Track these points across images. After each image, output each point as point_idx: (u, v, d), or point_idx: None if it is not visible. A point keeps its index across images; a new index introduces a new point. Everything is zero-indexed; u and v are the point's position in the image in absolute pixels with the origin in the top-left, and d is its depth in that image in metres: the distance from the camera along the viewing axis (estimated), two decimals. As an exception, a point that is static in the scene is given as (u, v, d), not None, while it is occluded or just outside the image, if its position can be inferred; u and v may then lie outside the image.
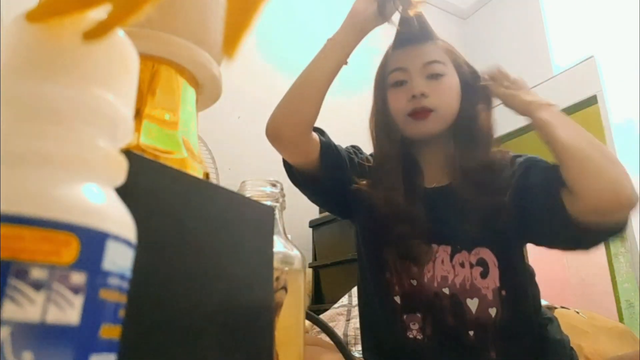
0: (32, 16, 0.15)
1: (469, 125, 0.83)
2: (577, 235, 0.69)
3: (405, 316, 0.79)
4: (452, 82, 0.84)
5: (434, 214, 0.82)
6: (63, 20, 0.16)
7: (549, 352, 0.75)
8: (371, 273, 0.86)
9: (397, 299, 0.81)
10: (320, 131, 0.87)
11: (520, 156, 0.83)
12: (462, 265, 0.79)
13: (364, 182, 0.86)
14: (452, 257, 0.80)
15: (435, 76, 0.83)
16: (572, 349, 0.79)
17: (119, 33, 0.18)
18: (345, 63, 0.85)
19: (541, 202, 0.72)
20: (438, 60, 0.85)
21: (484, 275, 0.77)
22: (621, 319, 2.45)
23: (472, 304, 0.76)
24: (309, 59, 0.84)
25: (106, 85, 0.17)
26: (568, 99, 2.57)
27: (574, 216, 0.68)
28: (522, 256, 0.83)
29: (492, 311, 0.75)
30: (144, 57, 0.30)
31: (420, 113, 0.81)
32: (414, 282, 0.80)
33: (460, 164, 0.80)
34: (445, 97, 0.83)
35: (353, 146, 0.96)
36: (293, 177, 0.86)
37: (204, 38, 0.34)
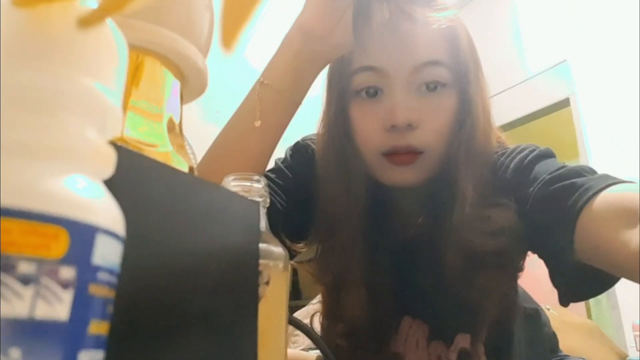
0: (20, 1, 0.15)
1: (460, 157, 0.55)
2: (577, 282, 0.50)
3: None
4: (451, 100, 0.55)
5: (407, 278, 0.61)
6: (52, 6, 0.15)
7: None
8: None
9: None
10: None
11: (509, 153, 0.57)
12: (439, 359, 0.61)
13: (301, 245, 0.62)
14: (429, 341, 0.61)
15: (430, 86, 0.53)
16: (554, 334, 0.78)
17: (109, 22, 0.18)
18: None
19: (550, 240, 0.50)
20: (438, 61, 0.53)
21: None
22: (589, 316, 2.53)
23: None
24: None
25: (95, 75, 0.16)
26: (541, 102, 2.64)
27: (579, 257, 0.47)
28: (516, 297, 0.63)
29: None
30: (129, 48, 0.29)
31: (403, 156, 0.53)
32: None
33: (447, 217, 0.55)
34: (441, 127, 0.54)
35: (288, 164, 0.64)
36: None
37: (190, 30, 0.33)
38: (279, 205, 0.60)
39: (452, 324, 0.60)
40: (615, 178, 0.47)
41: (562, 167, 0.51)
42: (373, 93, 0.55)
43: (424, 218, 0.62)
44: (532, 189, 0.51)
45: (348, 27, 0.51)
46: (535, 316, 0.72)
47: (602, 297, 2.51)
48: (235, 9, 0.16)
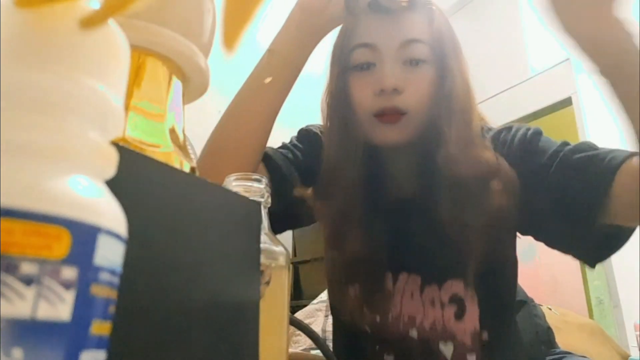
0: (22, 1, 0.15)
1: (442, 124, 0.63)
2: (601, 241, 0.57)
3: (377, 347, 0.68)
4: (430, 72, 0.64)
5: (401, 233, 0.68)
6: (54, 7, 0.15)
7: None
8: (338, 291, 0.73)
9: (367, 327, 0.69)
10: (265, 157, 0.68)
11: (505, 131, 0.67)
12: (432, 303, 0.65)
13: (309, 192, 0.71)
14: (422, 289, 0.67)
15: (413, 62, 0.64)
16: (549, 328, 0.80)
17: (111, 23, 0.18)
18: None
19: (572, 208, 0.57)
20: (420, 40, 0.64)
21: (459, 316, 0.64)
22: (591, 316, 2.53)
23: (447, 349, 0.64)
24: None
25: (97, 76, 0.16)
26: (543, 101, 2.63)
27: (610, 220, 0.55)
28: (512, 260, 0.70)
29: (471, 358, 0.64)
30: (131, 48, 0.29)
31: (389, 116, 0.63)
32: (377, 319, 0.67)
33: (436, 168, 0.63)
34: (421, 93, 0.64)
35: (294, 144, 0.75)
36: None
37: (192, 30, 0.33)
38: (291, 157, 0.71)
39: (443, 268, 0.67)
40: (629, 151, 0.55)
41: (569, 143, 0.60)
42: (367, 66, 0.66)
43: (416, 178, 0.70)
44: (550, 161, 0.59)
45: (339, 4, 0.66)
46: (521, 308, 0.76)
47: (604, 296, 2.50)
48: (237, 9, 0.16)
